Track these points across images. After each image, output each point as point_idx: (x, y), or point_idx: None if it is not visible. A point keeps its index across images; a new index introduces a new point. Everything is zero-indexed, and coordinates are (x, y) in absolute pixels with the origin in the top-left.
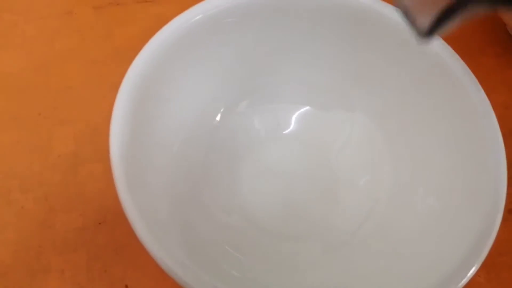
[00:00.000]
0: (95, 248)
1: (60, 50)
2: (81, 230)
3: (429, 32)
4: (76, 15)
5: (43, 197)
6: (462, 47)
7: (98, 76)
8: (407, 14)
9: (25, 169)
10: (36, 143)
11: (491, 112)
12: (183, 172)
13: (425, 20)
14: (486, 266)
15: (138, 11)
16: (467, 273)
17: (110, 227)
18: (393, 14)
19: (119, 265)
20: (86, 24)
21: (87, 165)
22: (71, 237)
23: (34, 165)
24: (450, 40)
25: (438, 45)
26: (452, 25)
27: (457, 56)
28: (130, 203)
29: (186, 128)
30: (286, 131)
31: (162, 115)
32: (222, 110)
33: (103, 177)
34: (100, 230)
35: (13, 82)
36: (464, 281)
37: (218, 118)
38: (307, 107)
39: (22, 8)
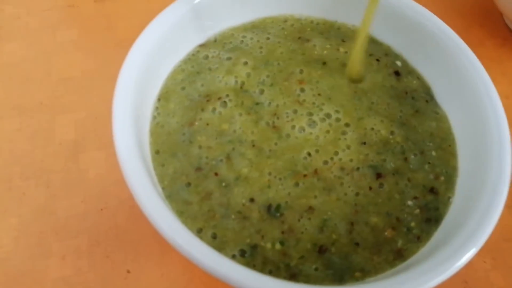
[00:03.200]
0: (97, 233)
1: (62, 42)
2: (82, 216)
3: None
4: (77, 8)
5: (45, 184)
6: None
7: (99, 67)
8: None
9: (26, 157)
10: (37, 131)
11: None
12: None
13: None
14: (492, 252)
15: (138, 4)
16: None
17: (111, 213)
18: None
19: (120, 250)
20: (87, 16)
21: (88, 153)
22: (72, 223)
23: (35, 153)
24: None
25: None
26: None
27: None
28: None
29: None
30: None
31: None
32: None
33: (104, 164)
34: (101, 216)
35: (15, 72)
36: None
37: None
38: None
39: (25, 0)
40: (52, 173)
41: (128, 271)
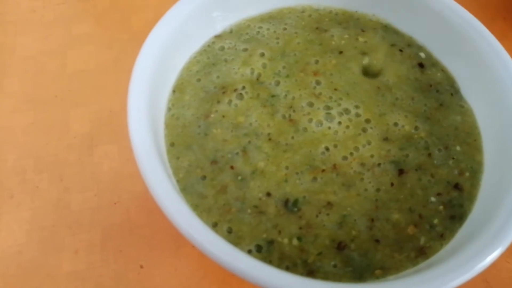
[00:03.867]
0: (110, 228)
1: (77, 35)
2: (95, 210)
3: None
4: (92, 1)
5: (58, 177)
6: None
7: (113, 60)
8: None
9: (40, 150)
10: (52, 124)
11: None
12: None
13: None
14: None
15: None
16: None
17: (125, 207)
18: None
19: (134, 245)
20: (102, 10)
21: (102, 146)
22: (85, 217)
23: (49, 146)
24: None
25: None
26: None
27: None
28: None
29: None
30: None
31: None
32: None
33: (118, 157)
34: (115, 210)
35: (30, 65)
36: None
37: None
38: None
39: None
40: (66, 166)
41: (141, 266)
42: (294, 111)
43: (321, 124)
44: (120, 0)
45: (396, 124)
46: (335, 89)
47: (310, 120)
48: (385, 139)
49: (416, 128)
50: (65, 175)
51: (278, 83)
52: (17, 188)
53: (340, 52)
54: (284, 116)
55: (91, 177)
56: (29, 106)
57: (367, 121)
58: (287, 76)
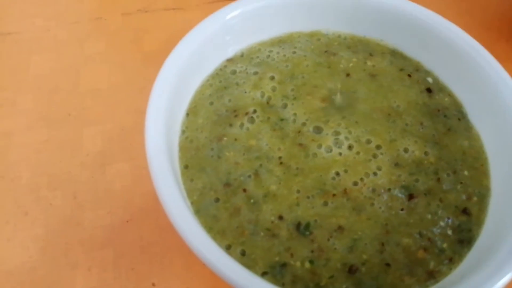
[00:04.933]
0: (122, 245)
1: (90, 54)
2: (108, 227)
3: None
4: (105, 21)
5: (71, 194)
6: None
7: (126, 79)
8: None
9: (54, 167)
10: (65, 142)
11: None
12: None
13: None
14: None
15: (165, 18)
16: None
17: (137, 225)
18: None
19: (146, 263)
20: (115, 29)
21: (114, 164)
22: (98, 235)
23: (63, 163)
24: None
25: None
26: None
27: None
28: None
29: None
30: None
31: None
32: None
33: (130, 176)
34: (127, 228)
35: (44, 83)
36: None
37: None
38: None
39: (55, 13)
40: (79, 184)
41: (153, 284)
42: (302, 136)
43: (331, 150)
44: (132, 20)
45: (406, 150)
46: (343, 117)
47: (320, 146)
48: (396, 165)
49: (426, 153)
50: (78, 192)
51: (285, 106)
52: (31, 205)
53: (348, 75)
54: (293, 141)
55: (104, 194)
56: (42, 123)
57: (378, 147)
58: (295, 98)
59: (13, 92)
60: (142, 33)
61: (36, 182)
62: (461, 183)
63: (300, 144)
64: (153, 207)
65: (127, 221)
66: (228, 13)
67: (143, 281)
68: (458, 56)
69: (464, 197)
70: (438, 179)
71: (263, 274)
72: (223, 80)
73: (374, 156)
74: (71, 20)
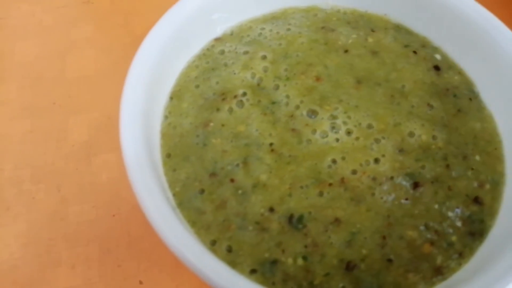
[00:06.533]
0: (108, 241)
1: (76, 39)
2: (93, 222)
3: None
4: (93, 4)
5: (55, 187)
6: None
7: (114, 65)
8: None
9: (37, 159)
10: (49, 132)
11: None
12: None
13: None
14: None
15: (155, 0)
16: None
17: (124, 219)
18: None
19: (133, 260)
20: (103, 13)
21: (101, 155)
22: (83, 230)
23: (47, 155)
24: None
25: None
26: None
27: None
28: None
29: None
30: None
31: None
32: None
33: (117, 167)
34: (113, 223)
35: (28, 71)
36: None
37: None
38: None
39: None
40: (64, 176)
41: (141, 282)
42: (295, 120)
43: (327, 135)
44: (121, 3)
45: (412, 134)
46: (341, 100)
47: (314, 131)
48: (400, 151)
49: (433, 137)
50: (62, 185)
51: (277, 87)
52: (13, 199)
53: (346, 51)
54: (286, 126)
55: (89, 187)
56: (26, 113)
57: (380, 131)
58: (287, 79)
59: None
60: (132, 16)
61: (18, 175)
62: (472, 169)
63: (293, 130)
64: None
65: (114, 215)
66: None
67: (130, 279)
68: (470, 29)
69: (475, 184)
70: (447, 166)
71: (251, 272)
72: (210, 61)
73: (376, 141)
74: (57, 4)
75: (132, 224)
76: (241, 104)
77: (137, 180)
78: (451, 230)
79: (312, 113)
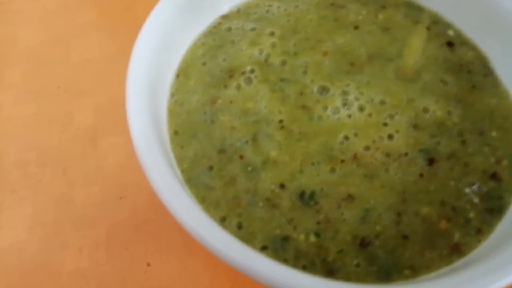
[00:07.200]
0: (115, 224)
1: (80, 23)
2: (100, 205)
3: None
4: None
5: (61, 170)
6: None
7: (118, 49)
8: None
9: (43, 142)
10: (55, 115)
11: None
12: None
13: None
14: None
15: None
16: None
17: (131, 202)
18: None
19: (140, 242)
20: None
21: (106, 138)
22: (90, 213)
23: (52, 138)
24: None
25: None
26: None
27: None
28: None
29: None
30: None
31: None
32: None
33: (124, 150)
34: (120, 205)
35: (32, 55)
36: None
37: None
38: None
39: None
40: (69, 159)
41: (148, 264)
42: (305, 96)
43: (338, 111)
44: None
45: (426, 110)
46: (353, 76)
47: (325, 108)
48: (414, 127)
49: (448, 112)
50: (68, 168)
51: (284, 63)
52: (19, 182)
53: (356, 27)
54: (296, 102)
55: (95, 170)
56: (31, 97)
57: (393, 107)
58: (295, 54)
59: (0, 65)
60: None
61: (24, 159)
62: (489, 145)
63: (303, 106)
64: (148, 182)
65: (120, 198)
66: None
67: (137, 262)
68: (484, 4)
69: (492, 160)
70: (463, 141)
71: (262, 249)
72: (217, 38)
73: (390, 117)
74: None
75: (139, 207)
76: (249, 80)
77: (146, 156)
78: (468, 207)
79: (323, 90)
